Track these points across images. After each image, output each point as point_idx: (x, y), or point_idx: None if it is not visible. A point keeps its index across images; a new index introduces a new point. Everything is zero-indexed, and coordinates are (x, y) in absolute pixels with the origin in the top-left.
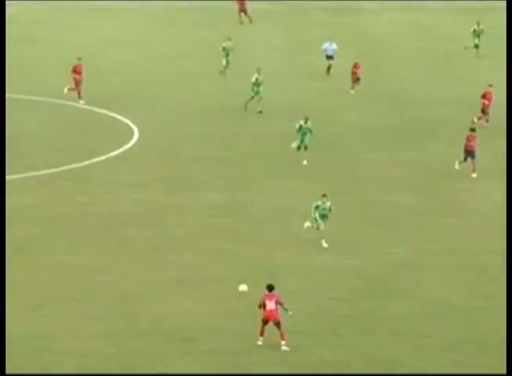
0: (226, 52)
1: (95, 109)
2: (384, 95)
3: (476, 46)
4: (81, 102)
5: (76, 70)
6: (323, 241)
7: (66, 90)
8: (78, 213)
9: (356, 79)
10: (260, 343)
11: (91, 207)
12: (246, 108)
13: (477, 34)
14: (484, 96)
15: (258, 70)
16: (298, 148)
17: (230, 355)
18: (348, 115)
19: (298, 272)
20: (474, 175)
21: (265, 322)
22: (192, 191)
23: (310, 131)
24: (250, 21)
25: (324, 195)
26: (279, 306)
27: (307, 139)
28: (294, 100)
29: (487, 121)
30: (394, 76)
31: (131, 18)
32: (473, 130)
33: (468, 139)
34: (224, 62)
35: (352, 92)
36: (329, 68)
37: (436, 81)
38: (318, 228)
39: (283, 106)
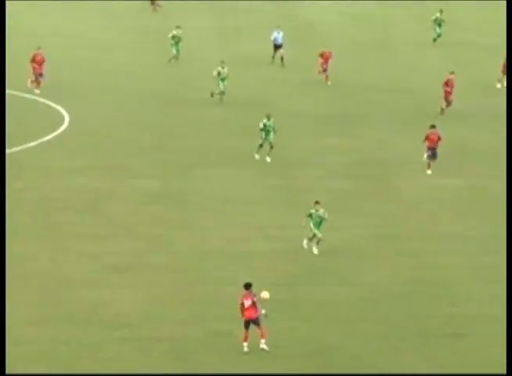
0: (176, 40)
1: (25, 95)
2: (321, 82)
3: (438, 35)
4: (36, 91)
5: (35, 60)
6: (315, 248)
7: (28, 84)
8: (12, 199)
9: (323, 70)
10: (246, 350)
11: (25, 193)
12: (212, 95)
13: (438, 22)
14: (446, 84)
15: (222, 64)
16: (261, 146)
17: (167, 341)
18: (286, 102)
19: (234, 258)
20: (429, 172)
21: (247, 324)
22: (126, 178)
23: (273, 129)
24: (155, 10)
25: (317, 202)
26: (257, 304)
27: (271, 137)
28: (230, 88)
29: (447, 106)
30: (331, 63)
31: (65, 6)
32: (433, 127)
33: (429, 137)
34: (174, 51)
35: (329, 83)
36: (281, 58)
37: (373, 69)
38: (312, 237)
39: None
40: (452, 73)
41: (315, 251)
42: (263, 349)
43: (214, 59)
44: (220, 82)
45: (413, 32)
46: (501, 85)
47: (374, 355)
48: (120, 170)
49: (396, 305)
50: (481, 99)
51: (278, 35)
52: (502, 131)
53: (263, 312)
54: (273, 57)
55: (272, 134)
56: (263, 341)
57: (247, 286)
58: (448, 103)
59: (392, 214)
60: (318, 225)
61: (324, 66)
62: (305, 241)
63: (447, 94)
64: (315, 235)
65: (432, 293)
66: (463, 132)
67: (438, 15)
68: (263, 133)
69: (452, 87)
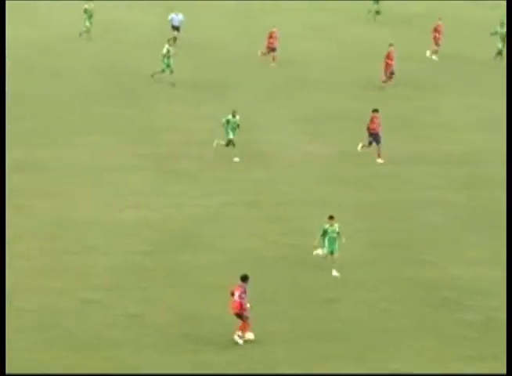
0: (89, 14)
1: None
2: (192, 50)
3: (377, 12)
4: None
5: None
6: (335, 271)
7: None
8: None
9: (272, 49)
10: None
11: None
12: (152, 76)
13: None
14: (388, 56)
15: (169, 41)
16: (227, 144)
17: (35, 311)
18: (152, 68)
19: (101, 227)
20: (380, 161)
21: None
22: None
23: (238, 126)
24: None
25: (331, 217)
26: (243, 298)
27: (236, 134)
28: (101, 59)
29: (389, 78)
30: (199, 29)
31: None
32: (376, 111)
33: (372, 121)
34: (87, 24)
35: (274, 64)
36: (174, 39)
37: (245, 37)
38: (326, 257)
39: (85, 64)
40: (391, 45)
41: (336, 273)
42: (236, 342)
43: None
44: (166, 60)
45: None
46: (430, 54)
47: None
48: None
49: (266, 271)
50: (355, 68)
51: (175, 17)
52: (371, 98)
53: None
54: (174, 40)
55: (236, 131)
56: (238, 332)
57: (242, 278)
58: (391, 75)
59: (260, 180)
60: (333, 241)
61: (272, 46)
62: (318, 251)
63: (388, 66)
64: (326, 255)
65: (302, 258)
66: (329, 99)
67: None
68: (228, 129)
69: (392, 59)
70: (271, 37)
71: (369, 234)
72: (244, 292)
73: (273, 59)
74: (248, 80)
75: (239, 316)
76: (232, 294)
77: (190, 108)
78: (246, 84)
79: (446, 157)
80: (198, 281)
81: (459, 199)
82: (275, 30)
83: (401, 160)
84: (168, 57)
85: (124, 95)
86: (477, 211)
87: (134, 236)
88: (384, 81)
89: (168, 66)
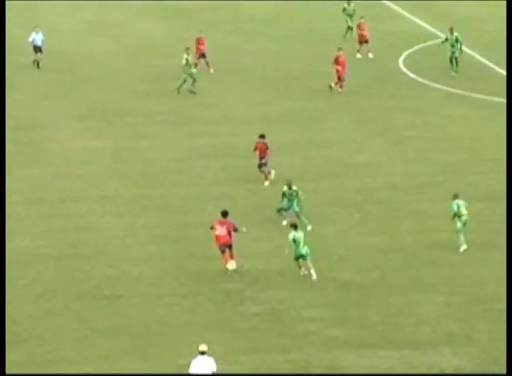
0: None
1: None
2: None
3: (349, 28)
4: None
5: None
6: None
7: None
8: None
9: (201, 55)
10: (231, 267)
11: None
12: (178, 91)
13: (348, 14)
14: (336, 62)
15: (187, 50)
16: (297, 215)
17: None
18: None
19: None
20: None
21: (222, 248)
22: None
23: (297, 194)
24: None
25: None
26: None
27: (296, 205)
28: None
29: (341, 86)
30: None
31: None
32: (262, 137)
33: (259, 147)
34: None
35: (212, 70)
36: (35, 62)
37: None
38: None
39: None
40: (340, 49)
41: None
42: (227, 269)
43: None
44: (188, 70)
45: None
46: (360, 55)
47: (28, 319)
48: None
49: (48, 268)
50: (137, 64)
51: (36, 36)
52: (153, 93)
53: (244, 229)
54: (34, 62)
55: (295, 202)
56: (232, 261)
57: (224, 214)
58: (341, 80)
59: (42, 177)
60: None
61: (201, 51)
62: None
63: (338, 71)
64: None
65: (86, 255)
66: (110, 96)
67: (346, 5)
68: (288, 202)
69: (342, 64)
70: (199, 42)
71: (154, 229)
72: (232, 226)
73: (207, 64)
74: (25, 78)
75: (228, 246)
76: (212, 228)
77: None
78: (25, 79)
79: (226, 151)
80: None
81: (240, 193)
82: (202, 35)
83: (184, 155)
84: (190, 66)
85: None
86: (257, 205)
87: None
88: (335, 85)
89: (191, 75)
